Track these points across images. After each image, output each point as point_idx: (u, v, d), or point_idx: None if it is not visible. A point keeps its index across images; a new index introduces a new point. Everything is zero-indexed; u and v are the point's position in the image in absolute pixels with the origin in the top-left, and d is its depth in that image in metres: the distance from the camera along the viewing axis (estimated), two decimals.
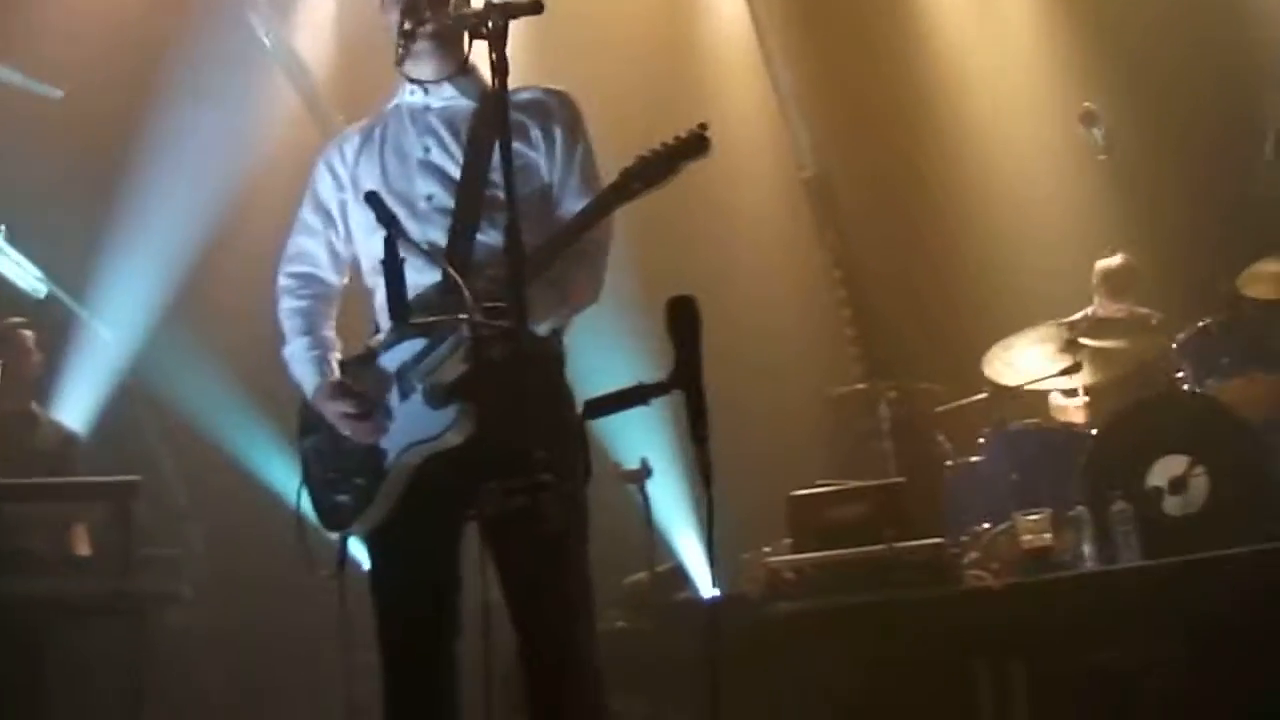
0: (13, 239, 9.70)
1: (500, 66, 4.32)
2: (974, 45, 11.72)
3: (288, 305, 5.34)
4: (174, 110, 10.73)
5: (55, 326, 10.16)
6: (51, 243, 10.07)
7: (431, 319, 4.68)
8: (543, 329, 4.86)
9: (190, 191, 11.04)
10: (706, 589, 9.72)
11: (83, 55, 10.44)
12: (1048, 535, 8.27)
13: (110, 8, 10.64)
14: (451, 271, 4.66)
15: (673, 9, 12.10)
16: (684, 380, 4.11)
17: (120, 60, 10.49)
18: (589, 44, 10.20)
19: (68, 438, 9.38)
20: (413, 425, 4.83)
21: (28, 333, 9.22)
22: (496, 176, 4.82)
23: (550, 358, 4.97)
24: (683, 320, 4.12)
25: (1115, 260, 10.04)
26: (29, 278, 10.01)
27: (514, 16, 4.36)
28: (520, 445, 4.22)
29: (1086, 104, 9.59)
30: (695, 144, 4.61)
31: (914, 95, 11.69)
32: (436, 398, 4.77)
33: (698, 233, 10.77)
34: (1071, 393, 9.76)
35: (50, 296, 10.13)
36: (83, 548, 8.61)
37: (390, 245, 4.53)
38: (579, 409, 4.61)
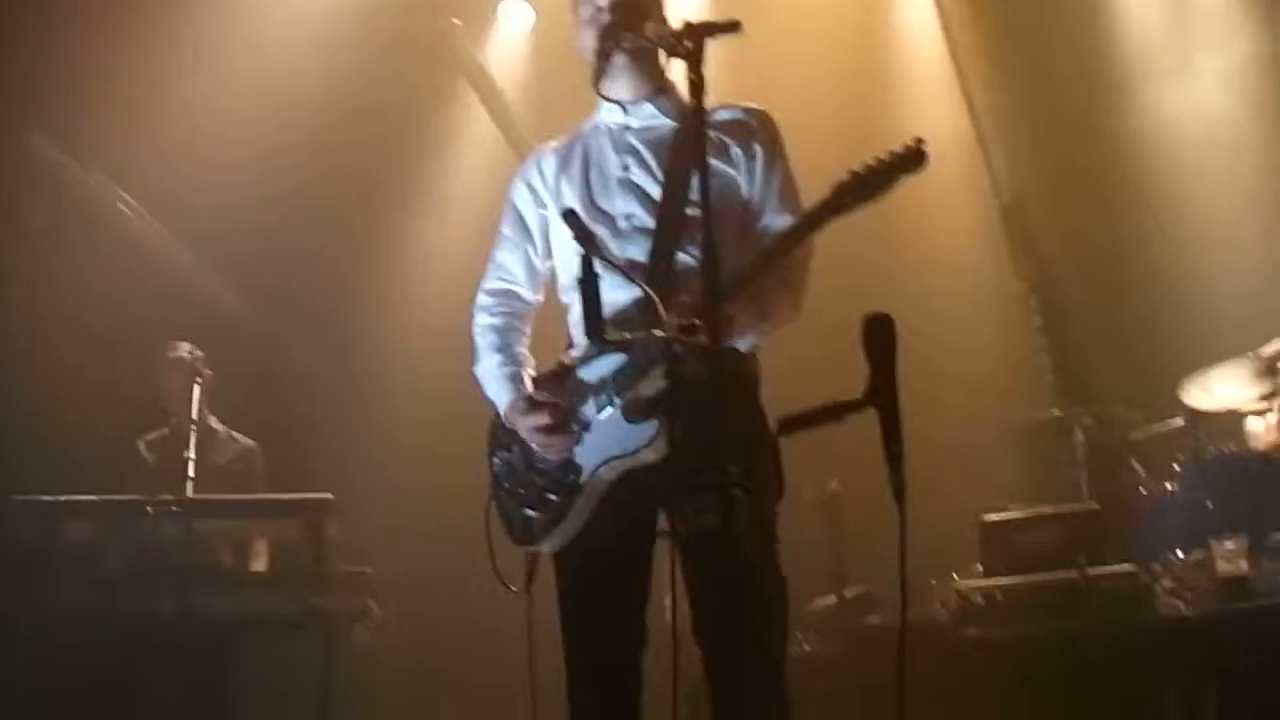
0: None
1: (698, 85, 4.30)
2: (1170, 68, 11.52)
3: (482, 322, 5.37)
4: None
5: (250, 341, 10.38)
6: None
7: (629, 335, 4.69)
8: (742, 345, 4.87)
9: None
10: (895, 614, 9.67)
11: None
12: (1244, 564, 8.09)
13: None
14: (647, 289, 4.64)
15: (867, 33, 12.01)
16: (879, 397, 4.04)
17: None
18: (782, 66, 10.15)
19: (245, 451, 9.59)
20: (609, 440, 4.82)
21: (197, 352, 9.33)
22: (697, 195, 4.85)
23: (747, 376, 4.98)
24: (879, 337, 4.04)
25: None
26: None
27: (712, 35, 4.35)
28: (715, 462, 4.22)
29: None
30: (912, 158, 4.54)
31: (1108, 121, 11.53)
32: (635, 412, 4.76)
33: (891, 259, 10.67)
34: (1266, 417, 9.54)
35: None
36: (260, 563, 8.76)
37: (587, 263, 4.54)
38: (774, 427, 4.53)
